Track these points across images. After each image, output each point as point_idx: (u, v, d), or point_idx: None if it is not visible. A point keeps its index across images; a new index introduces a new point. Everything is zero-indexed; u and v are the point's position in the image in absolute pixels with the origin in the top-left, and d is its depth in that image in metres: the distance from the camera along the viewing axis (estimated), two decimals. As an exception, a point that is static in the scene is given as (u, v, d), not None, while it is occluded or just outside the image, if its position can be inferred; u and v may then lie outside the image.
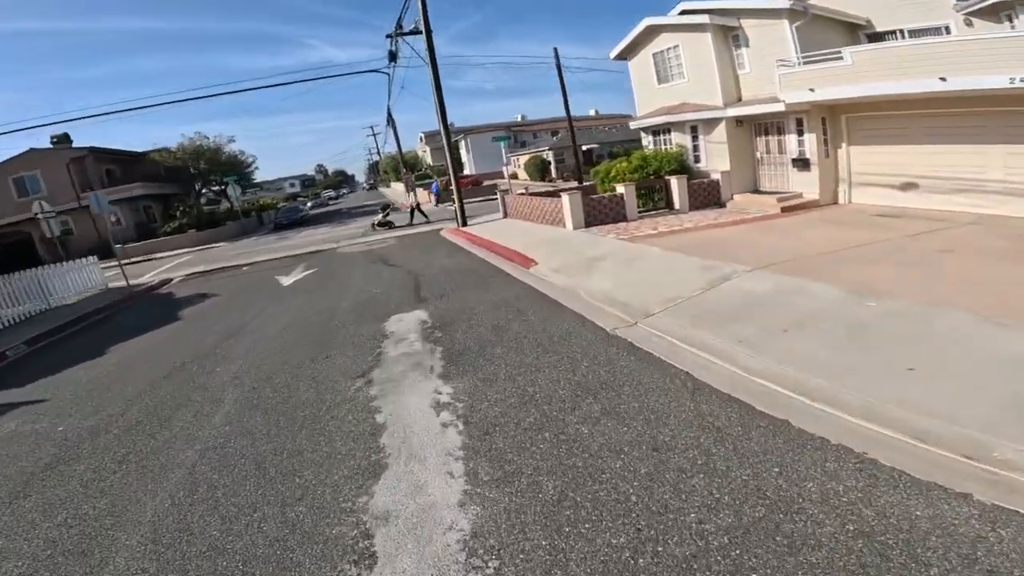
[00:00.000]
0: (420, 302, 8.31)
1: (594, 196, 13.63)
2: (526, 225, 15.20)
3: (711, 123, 14.54)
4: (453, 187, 17.65)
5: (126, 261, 26.69)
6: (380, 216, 22.30)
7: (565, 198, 13.05)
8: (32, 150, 29.88)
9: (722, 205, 14.38)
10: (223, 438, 4.57)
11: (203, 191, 38.92)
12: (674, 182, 13.97)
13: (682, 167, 14.89)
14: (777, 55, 12.48)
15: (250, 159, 41.52)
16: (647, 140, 17.38)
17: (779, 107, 12.32)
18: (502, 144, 30.28)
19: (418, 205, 22.53)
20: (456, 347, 5.94)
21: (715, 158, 14.80)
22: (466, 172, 53.85)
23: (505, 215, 17.96)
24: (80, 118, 34.36)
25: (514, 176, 35.65)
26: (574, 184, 27.45)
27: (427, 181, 44.18)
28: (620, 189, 13.62)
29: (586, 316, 6.40)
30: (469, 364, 5.40)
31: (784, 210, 12.48)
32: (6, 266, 14.25)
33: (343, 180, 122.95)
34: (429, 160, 61.38)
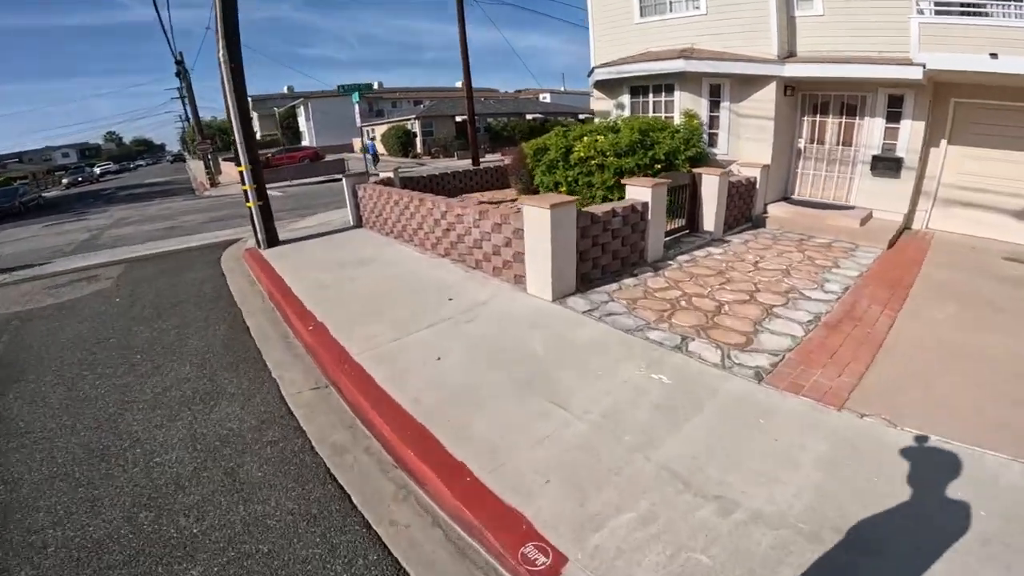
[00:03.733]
0: None
1: (586, 213, 5.41)
2: (415, 262, 7.11)
3: (749, 84, 8.02)
4: (243, 158, 8.11)
5: None
6: None
7: (535, 214, 4.92)
8: None
9: (757, 223, 8.02)
10: None
11: None
12: (709, 182, 7.05)
13: (700, 153, 8.14)
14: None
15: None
16: (607, 105, 10.06)
17: (913, 72, 6.41)
18: (355, 100, 20.49)
19: None
20: None
21: (746, 142, 8.36)
22: (305, 143, 42.45)
23: (359, 222, 9.49)
24: None
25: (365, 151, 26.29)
26: (460, 164, 19.47)
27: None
28: (639, 193, 5.92)
29: None
30: None
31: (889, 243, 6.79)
32: None
33: (145, 150, 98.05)
34: (256, 128, 47.67)
